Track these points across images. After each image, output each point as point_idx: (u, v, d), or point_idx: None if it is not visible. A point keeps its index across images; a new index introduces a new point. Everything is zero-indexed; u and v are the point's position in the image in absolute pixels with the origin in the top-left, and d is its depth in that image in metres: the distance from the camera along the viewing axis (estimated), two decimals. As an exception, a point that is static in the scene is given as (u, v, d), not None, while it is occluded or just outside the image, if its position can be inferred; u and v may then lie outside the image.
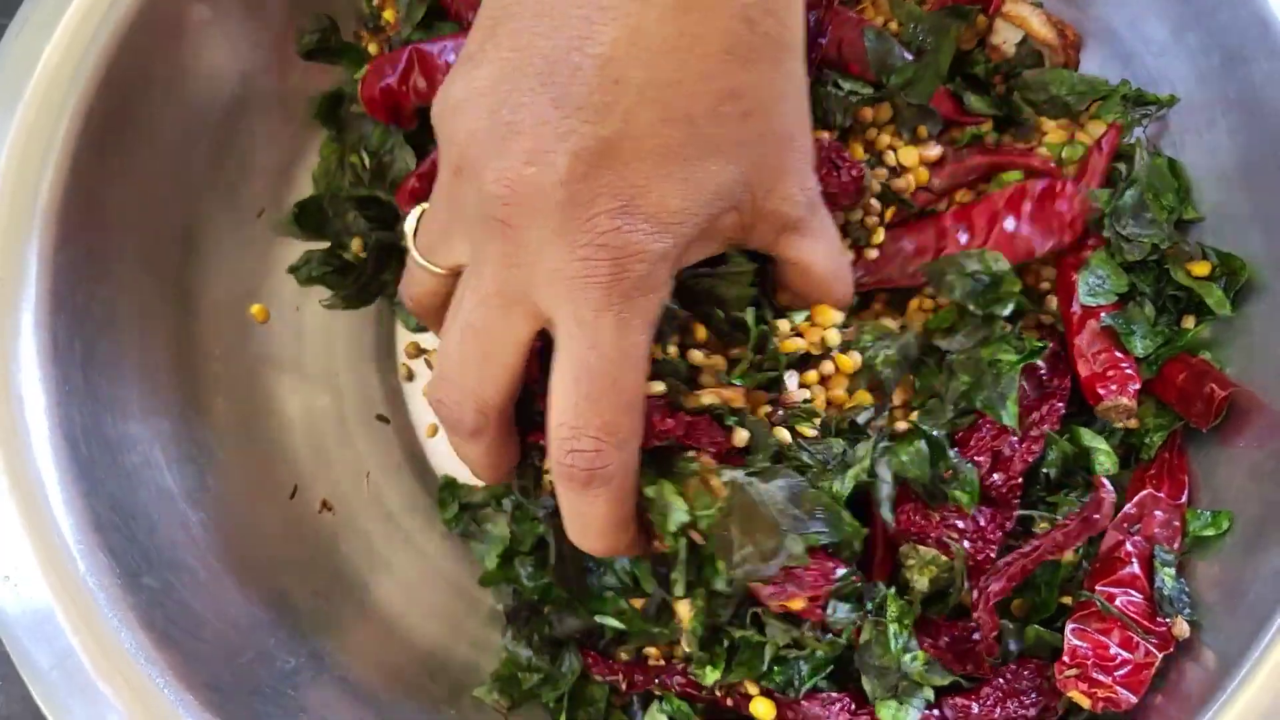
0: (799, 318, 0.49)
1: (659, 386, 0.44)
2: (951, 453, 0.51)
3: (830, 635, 0.48)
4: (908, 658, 0.47)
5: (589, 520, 0.44)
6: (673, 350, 0.47)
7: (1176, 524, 0.51)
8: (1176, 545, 0.51)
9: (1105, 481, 0.49)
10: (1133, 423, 0.54)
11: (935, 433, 0.51)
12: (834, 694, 0.48)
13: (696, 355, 0.47)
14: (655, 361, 0.45)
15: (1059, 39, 0.61)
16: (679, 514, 0.44)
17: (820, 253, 0.48)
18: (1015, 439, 0.52)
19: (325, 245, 0.60)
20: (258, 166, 0.58)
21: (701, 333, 0.48)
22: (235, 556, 0.53)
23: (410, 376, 0.62)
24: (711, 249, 0.44)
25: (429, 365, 0.62)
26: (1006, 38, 0.62)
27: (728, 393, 0.46)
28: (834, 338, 0.49)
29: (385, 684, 0.54)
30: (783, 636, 0.48)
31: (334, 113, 0.60)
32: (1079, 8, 0.62)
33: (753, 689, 0.50)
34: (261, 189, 0.58)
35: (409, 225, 0.47)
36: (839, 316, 0.49)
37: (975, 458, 0.52)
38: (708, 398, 0.46)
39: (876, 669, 0.47)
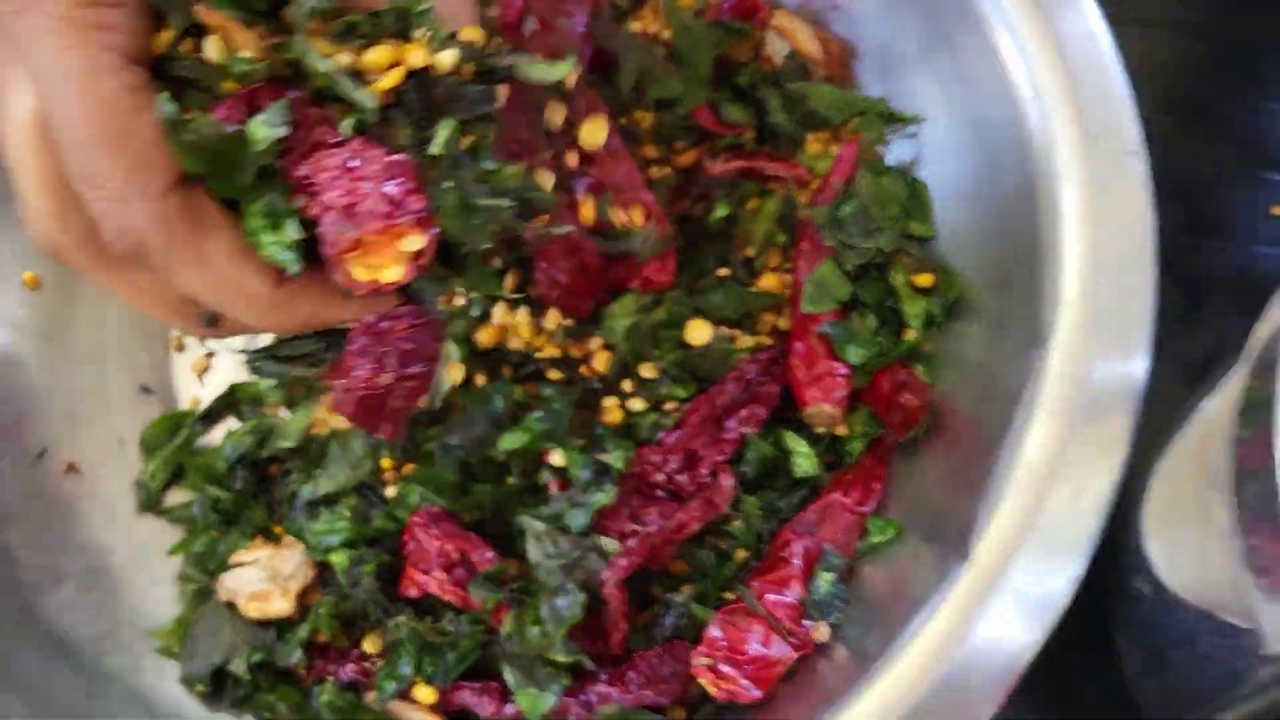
0: None
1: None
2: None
3: (471, 625, 0.49)
4: (535, 630, 0.48)
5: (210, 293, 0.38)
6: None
7: (856, 530, 0.52)
8: (850, 550, 0.52)
9: (728, 468, 0.51)
10: (841, 429, 0.55)
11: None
12: (484, 683, 0.50)
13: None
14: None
15: (823, 54, 0.63)
16: None
17: None
18: (709, 438, 0.53)
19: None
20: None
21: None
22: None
23: (180, 348, 0.64)
24: None
25: (200, 339, 0.64)
26: (776, 50, 0.64)
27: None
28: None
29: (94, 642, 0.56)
30: (429, 632, 0.50)
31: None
32: (850, 25, 0.63)
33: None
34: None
35: None
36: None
37: (667, 456, 0.53)
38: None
39: (517, 659, 0.49)
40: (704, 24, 0.62)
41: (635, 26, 0.64)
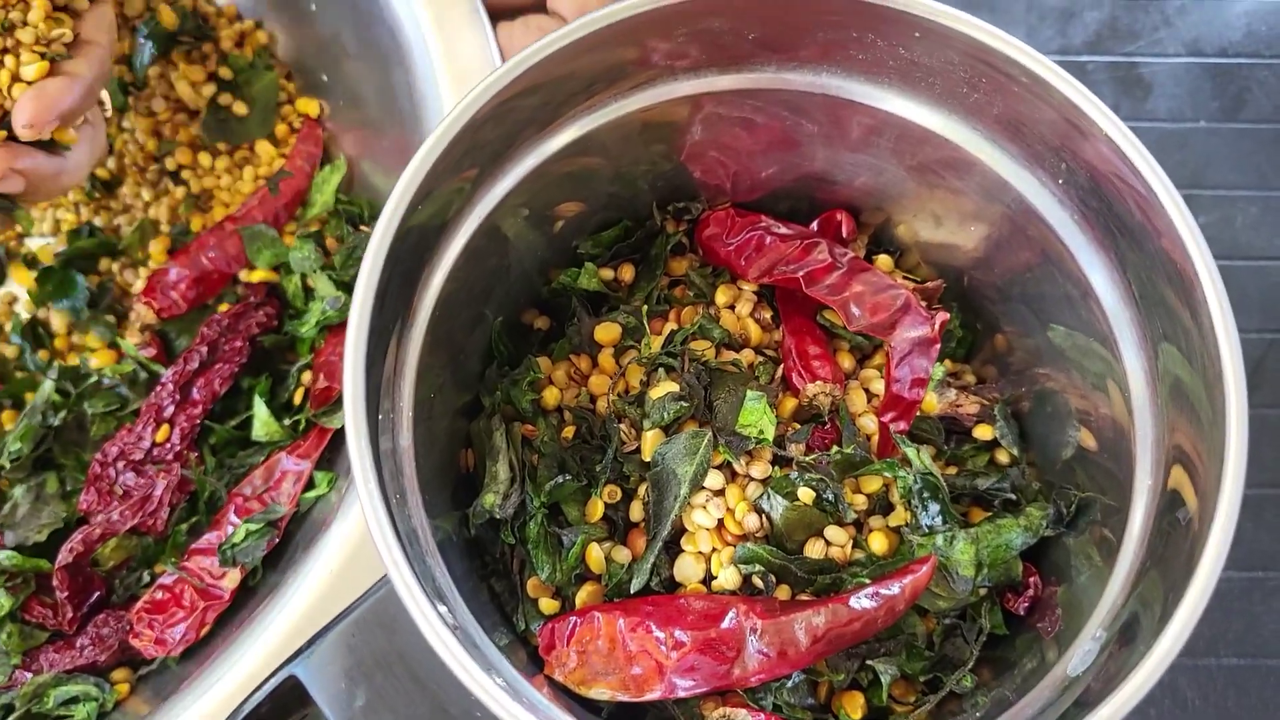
0: None
1: None
2: None
3: None
4: (3, 635, 0.55)
5: None
6: None
7: (301, 483, 0.59)
8: (294, 502, 0.58)
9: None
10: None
11: None
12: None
13: None
14: None
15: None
16: None
17: None
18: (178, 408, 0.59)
19: None
20: None
21: None
22: None
23: None
24: None
25: None
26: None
27: None
28: None
29: None
30: None
31: None
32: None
33: None
34: None
35: None
36: None
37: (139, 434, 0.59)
38: None
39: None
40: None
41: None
